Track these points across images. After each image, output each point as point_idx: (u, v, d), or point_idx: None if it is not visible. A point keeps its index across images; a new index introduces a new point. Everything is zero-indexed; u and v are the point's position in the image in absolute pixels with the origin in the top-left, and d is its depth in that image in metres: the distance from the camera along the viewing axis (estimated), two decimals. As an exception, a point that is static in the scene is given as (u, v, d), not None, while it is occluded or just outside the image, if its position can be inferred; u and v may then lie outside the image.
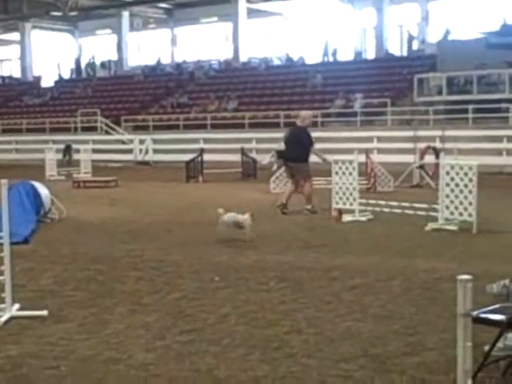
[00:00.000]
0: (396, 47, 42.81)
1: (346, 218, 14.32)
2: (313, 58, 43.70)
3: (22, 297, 7.81)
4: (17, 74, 55.13)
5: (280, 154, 17.21)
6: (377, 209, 14.85)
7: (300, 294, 8.10)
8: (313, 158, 16.18)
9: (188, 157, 26.48)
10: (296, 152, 15.76)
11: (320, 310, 7.46)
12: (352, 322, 7.00)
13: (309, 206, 15.59)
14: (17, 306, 7.43)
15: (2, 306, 7.26)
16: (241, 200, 18.60)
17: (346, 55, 43.42)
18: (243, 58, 45.10)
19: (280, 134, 29.90)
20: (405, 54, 41.63)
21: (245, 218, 12.22)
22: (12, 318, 7.19)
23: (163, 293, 8.34)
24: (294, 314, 7.27)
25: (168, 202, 18.63)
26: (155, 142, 37.15)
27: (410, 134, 25.08)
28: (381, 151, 28.71)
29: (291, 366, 5.78)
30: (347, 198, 14.65)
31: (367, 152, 21.44)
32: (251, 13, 45.08)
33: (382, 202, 15.12)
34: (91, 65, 52.10)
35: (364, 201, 14.95)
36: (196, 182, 24.88)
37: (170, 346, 6.37)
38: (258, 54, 46.36)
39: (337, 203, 14.78)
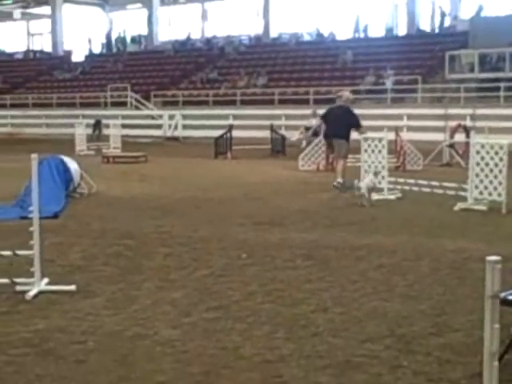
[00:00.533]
0: (428, 23, 42.36)
1: (375, 196, 14.27)
2: (343, 33, 43.45)
3: (51, 271, 7.88)
4: (48, 48, 55.33)
5: (328, 132, 17.47)
6: (406, 187, 14.78)
7: (326, 273, 8.10)
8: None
9: (217, 133, 26.47)
10: (339, 129, 16.10)
11: (346, 289, 7.45)
12: (378, 301, 6.99)
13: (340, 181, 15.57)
14: (45, 280, 7.50)
15: (31, 280, 7.34)
16: (269, 177, 18.61)
17: (377, 31, 43.11)
18: (273, 34, 44.91)
19: (309, 111, 30.11)
20: (437, 30, 41.21)
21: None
22: (40, 293, 7.26)
23: (191, 269, 8.38)
24: (320, 293, 7.28)
25: (197, 177, 18.68)
26: (184, 117, 37.20)
27: (441, 111, 24.92)
28: (411, 129, 28.54)
29: (317, 345, 5.79)
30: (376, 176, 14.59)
31: (397, 130, 21.29)
32: (282, -12, 44.88)
33: (411, 181, 15.04)
34: (122, 39, 52.14)
35: (393, 179, 14.88)
36: (225, 158, 24.88)
37: (197, 322, 6.40)
38: (288, 29, 46.14)
39: (365, 181, 14.72)
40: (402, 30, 42.70)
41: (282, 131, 29.57)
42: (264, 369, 5.35)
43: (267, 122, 28.60)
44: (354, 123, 16.21)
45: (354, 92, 33.62)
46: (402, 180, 15.02)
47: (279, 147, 26.65)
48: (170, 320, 6.47)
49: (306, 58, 40.11)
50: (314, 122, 30.52)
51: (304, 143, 27.36)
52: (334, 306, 6.82)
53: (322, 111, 30.17)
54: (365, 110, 31.42)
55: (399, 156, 20.58)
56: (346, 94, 17.64)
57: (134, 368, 5.39)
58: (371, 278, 7.91)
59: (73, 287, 7.42)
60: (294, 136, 29.84)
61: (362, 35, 42.80)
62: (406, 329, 6.16)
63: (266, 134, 27.35)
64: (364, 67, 36.31)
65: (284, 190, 15.75)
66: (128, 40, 52.63)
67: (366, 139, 14.89)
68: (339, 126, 16.13)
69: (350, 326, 6.24)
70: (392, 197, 14.28)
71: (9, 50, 58.05)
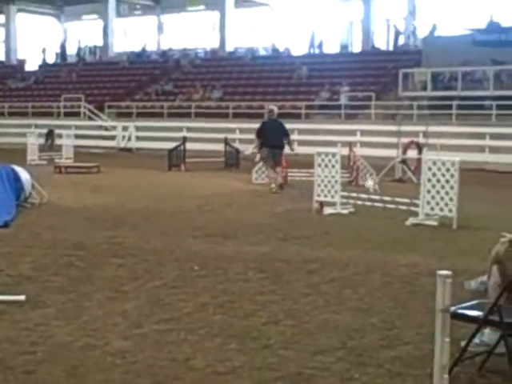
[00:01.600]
0: (382, 41, 42.81)
1: (328, 210, 14.34)
2: (299, 49, 43.68)
3: (0, 281, 7.77)
4: (1, 56, 54.71)
5: (263, 143, 19.21)
6: (358, 202, 14.87)
7: (278, 286, 8.11)
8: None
9: (171, 145, 26.40)
10: (280, 140, 18.94)
11: (298, 301, 7.47)
12: (330, 314, 7.02)
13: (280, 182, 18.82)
14: (-6, 290, 7.40)
15: (-20, 289, 7.24)
16: (222, 189, 18.61)
17: (332, 48, 43.41)
18: (229, 48, 45.00)
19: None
20: (391, 48, 41.67)
21: None
22: (-11, 302, 7.16)
23: (143, 280, 8.33)
24: (271, 305, 7.28)
25: (150, 189, 18.58)
26: (138, 129, 37.03)
27: (394, 128, 25.13)
28: (364, 145, 28.74)
29: (268, 358, 5.78)
30: (329, 191, 14.66)
31: (350, 145, 21.45)
32: (239, 2, 44.95)
33: (364, 196, 15.15)
34: (82, 50, 51.74)
35: (346, 194, 14.97)
36: (178, 170, 24.81)
37: (148, 334, 6.36)
38: (244, 43, 46.25)
39: (318, 195, 14.79)
40: (356, 47, 43.09)
41: (236, 144, 29.58)
42: (215, 380, 5.33)
43: (221, 135, 28.59)
44: (286, 134, 19.21)
45: (308, 107, 33.96)
46: (354, 195, 15.10)
47: (233, 160, 26.68)
48: (121, 331, 6.42)
49: (261, 73, 40.22)
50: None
51: (258, 157, 27.39)
52: (285, 319, 6.83)
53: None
54: (319, 125, 31.71)
55: (352, 171, 20.72)
56: (276, 108, 20.19)
57: (84, 379, 5.34)
58: (323, 291, 7.93)
59: (22, 297, 7.32)
60: (247, 149, 29.85)
61: (317, 51, 43.06)
62: (357, 341, 6.19)
63: (221, 147, 27.34)
64: (319, 83, 36.51)
65: (237, 203, 15.76)
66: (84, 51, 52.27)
67: (319, 154, 14.95)
68: (277, 138, 18.88)
69: (302, 339, 6.25)
70: (345, 211, 14.36)
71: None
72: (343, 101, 33.94)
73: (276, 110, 19.91)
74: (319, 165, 14.87)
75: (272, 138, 18.70)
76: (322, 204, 14.57)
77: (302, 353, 5.90)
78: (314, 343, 6.13)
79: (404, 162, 22.05)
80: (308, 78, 37.93)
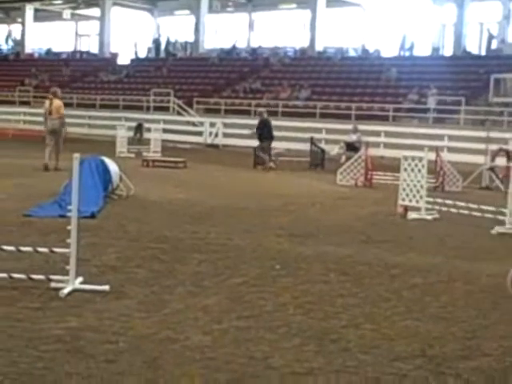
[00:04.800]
0: (475, 45, 42.10)
1: (412, 215, 14.18)
2: (389, 51, 43.29)
3: (86, 270, 7.94)
4: (94, 49, 55.82)
5: (263, 136, 25.02)
6: (443, 208, 14.67)
7: (359, 289, 8.07)
8: None
9: (257, 143, 26.48)
10: (271, 135, 25.06)
11: (379, 306, 7.42)
12: (410, 320, 6.95)
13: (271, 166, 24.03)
14: (80, 279, 7.57)
15: (66, 278, 7.41)
16: (307, 189, 18.60)
17: (422, 50, 42.89)
18: (319, 47, 44.89)
19: (350, 126, 30.22)
20: (483, 52, 40.95)
21: None
22: (74, 291, 7.33)
23: (224, 277, 8.40)
24: (352, 309, 7.25)
25: (234, 186, 18.71)
26: (226, 125, 37.30)
27: (483, 134, 24.70)
28: (451, 150, 28.33)
29: (346, 361, 5.77)
30: (414, 195, 14.50)
31: (437, 150, 21.16)
32: (330, 2, 44.73)
33: (449, 202, 14.92)
34: (172, 45, 52.35)
35: (431, 199, 14.78)
36: (263, 168, 24.87)
37: (227, 330, 6.41)
38: (334, 43, 46.08)
39: (403, 200, 14.64)
40: (448, 51, 42.47)
41: (322, 145, 29.51)
42: (292, 380, 5.35)
43: (307, 135, 28.58)
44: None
45: (396, 110, 33.65)
46: (440, 200, 14.90)
47: (318, 160, 26.56)
48: (201, 326, 6.49)
49: (350, 74, 40.04)
50: (354, 137, 30.49)
51: (343, 158, 27.33)
52: (365, 323, 6.79)
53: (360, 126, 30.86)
54: (406, 128, 31.40)
55: (438, 176, 20.44)
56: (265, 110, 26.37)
57: (163, 371, 5.41)
58: (404, 296, 7.87)
59: (106, 287, 7.47)
60: (333, 150, 29.79)
61: (407, 54, 42.60)
62: (437, 350, 6.11)
63: (306, 146, 27.33)
64: (407, 85, 36.16)
65: (321, 204, 15.73)
66: (175, 46, 52.89)
67: (406, 158, 14.78)
68: (270, 133, 24.95)
69: (381, 344, 6.21)
70: (429, 217, 14.17)
71: (56, 49, 58.59)
72: (431, 104, 33.51)
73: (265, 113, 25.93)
74: (405, 169, 14.71)
75: (268, 132, 24.94)
76: (406, 208, 14.42)
77: (380, 358, 5.86)
78: (393, 349, 6.09)
79: (492, 169, 21.62)
80: (397, 81, 37.58)
